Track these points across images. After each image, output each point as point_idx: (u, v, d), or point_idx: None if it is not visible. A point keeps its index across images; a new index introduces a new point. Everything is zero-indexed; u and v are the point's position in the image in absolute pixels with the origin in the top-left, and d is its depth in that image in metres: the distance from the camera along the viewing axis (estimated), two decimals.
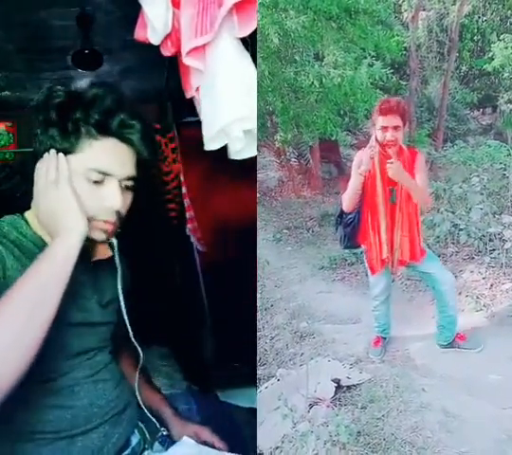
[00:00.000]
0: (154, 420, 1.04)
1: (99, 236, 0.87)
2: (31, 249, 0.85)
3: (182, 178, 2.74)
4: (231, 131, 0.99)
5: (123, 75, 2.58)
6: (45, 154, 0.85)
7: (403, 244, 1.84)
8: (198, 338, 2.69)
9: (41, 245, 0.85)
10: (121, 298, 0.94)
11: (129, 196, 0.91)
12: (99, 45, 2.27)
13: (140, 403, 1.01)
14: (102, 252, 0.95)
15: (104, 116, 0.85)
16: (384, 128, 1.75)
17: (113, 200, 0.85)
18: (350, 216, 1.88)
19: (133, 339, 0.99)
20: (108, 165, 0.85)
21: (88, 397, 0.90)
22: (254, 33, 0.99)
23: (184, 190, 2.76)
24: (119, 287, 0.94)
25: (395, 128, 1.74)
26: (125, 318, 0.94)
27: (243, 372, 1.86)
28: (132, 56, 2.39)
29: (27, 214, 0.91)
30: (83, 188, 0.84)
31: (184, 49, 1.01)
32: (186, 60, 1.01)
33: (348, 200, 1.85)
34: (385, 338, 2.07)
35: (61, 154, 0.83)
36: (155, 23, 1.06)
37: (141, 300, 1.08)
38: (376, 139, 1.78)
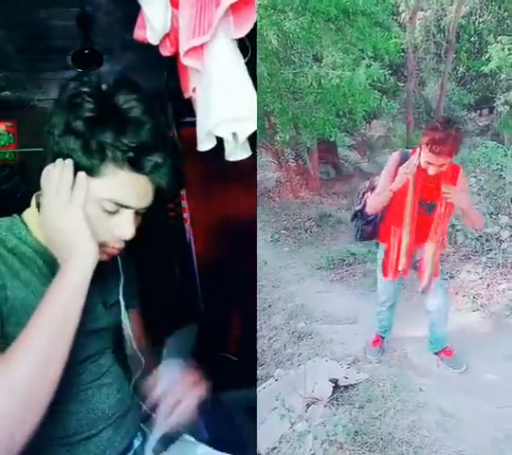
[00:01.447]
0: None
1: (103, 258, 0.82)
2: (32, 258, 0.80)
3: None
4: (220, 132, 0.99)
5: (123, 75, 2.58)
6: (60, 161, 0.76)
7: (436, 260, 1.77)
8: (198, 338, 2.69)
9: (41, 252, 0.81)
10: (123, 307, 0.92)
11: (138, 220, 0.84)
12: (99, 45, 2.27)
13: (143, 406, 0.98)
14: (113, 250, 0.90)
15: (138, 153, 0.75)
16: (429, 163, 1.61)
17: (126, 231, 0.80)
18: (371, 216, 1.84)
19: (135, 347, 0.98)
20: (128, 199, 0.78)
21: (92, 402, 0.88)
22: (254, 35, 1.00)
23: (182, 191, 2.76)
24: (121, 294, 0.92)
25: (441, 166, 1.61)
26: (126, 323, 0.93)
27: (242, 372, 1.86)
28: (132, 56, 2.39)
29: (26, 216, 0.85)
30: (95, 214, 0.77)
31: (182, 49, 1.01)
32: (184, 60, 1.01)
33: (374, 205, 1.78)
34: (383, 338, 2.06)
35: (82, 175, 0.76)
36: (153, 23, 1.06)
37: (141, 299, 1.08)
38: (419, 162, 1.64)
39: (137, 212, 0.82)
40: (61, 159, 0.76)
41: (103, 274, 0.90)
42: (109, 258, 0.84)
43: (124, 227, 0.80)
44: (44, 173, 0.78)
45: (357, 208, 1.90)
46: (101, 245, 0.79)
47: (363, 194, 1.89)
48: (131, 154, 0.74)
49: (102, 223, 0.78)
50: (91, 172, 0.76)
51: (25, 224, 0.84)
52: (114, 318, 0.95)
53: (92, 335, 0.89)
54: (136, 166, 0.76)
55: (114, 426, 0.91)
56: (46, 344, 0.67)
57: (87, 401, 0.88)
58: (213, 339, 2.61)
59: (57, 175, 0.76)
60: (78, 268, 0.74)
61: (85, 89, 0.76)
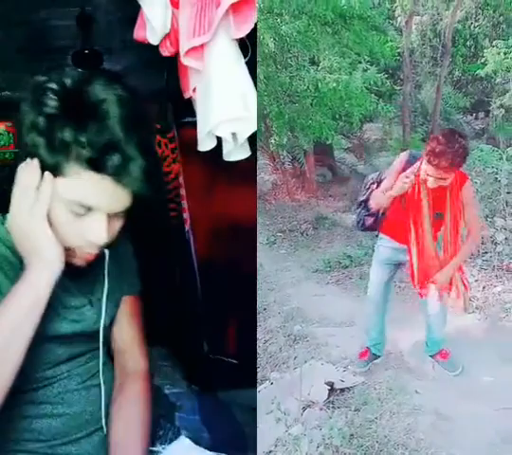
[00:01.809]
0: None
1: (79, 263, 0.79)
2: (8, 257, 0.78)
3: (181, 179, 2.74)
4: (220, 132, 0.99)
5: (123, 75, 2.58)
6: (29, 160, 0.74)
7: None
8: (198, 338, 2.68)
9: (17, 251, 0.78)
10: (104, 304, 0.89)
11: (118, 223, 0.78)
12: (99, 45, 2.27)
13: None
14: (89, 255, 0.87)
15: (96, 152, 0.68)
16: (427, 174, 1.55)
17: (97, 235, 0.74)
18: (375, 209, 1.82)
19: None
20: (94, 201, 0.72)
21: (80, 404, 0.87)
22: (254, 36, 0.99)
23: (183, 191, 2.76)
24: (105, 295, 0.89)
25: (441, 179, 1.54)
26: (101, 323, 0.89)
27: (242, 373, 1.85)
28: (132, 56, 2.39)
29: (8, 216, 0.81)
30: (64, 216, 0.73)
31: (182, 49, 1.01)
32: (184, 60, 1.01)
33: (377, 202, 1.75)
34: (375, 355, 1.97)
35: (47, 176, 0.71)
36: (153, 23, 1.06)
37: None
38: (418, 173, 1.59)
39: (114, 216, 0.76)
40: (29, 159, 0.74)
41: (89, 271, 0.87)
42: (85, 263, 0.81)
43: (95, 232, 0.74)
44: (16, 174, 0.76)
45: (362, 198, 1.88)
46: (75, 250, 0.77)
47: (370, 186, 1.85)
48: (89, 152, 0.68)
49: (73, 226, 0.74)
50: (56, 171, 0.72)
51: (2, 223, 0.81)
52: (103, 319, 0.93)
53: (77, 336, 0.86)
54: (96, 166, 0.69)
55: (105, 428, 0.89)
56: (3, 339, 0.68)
57: (75, 403, 0.86)
58: (213, 340, 2.61)
59: (24, 175, 0.74)
60: (39, 275, 0.72)
61: (50, 85, 0.72)
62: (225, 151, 1.04)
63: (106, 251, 0.84)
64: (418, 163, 1.62)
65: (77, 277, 0.86)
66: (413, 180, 1.59)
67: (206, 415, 1.24)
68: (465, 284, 1.76)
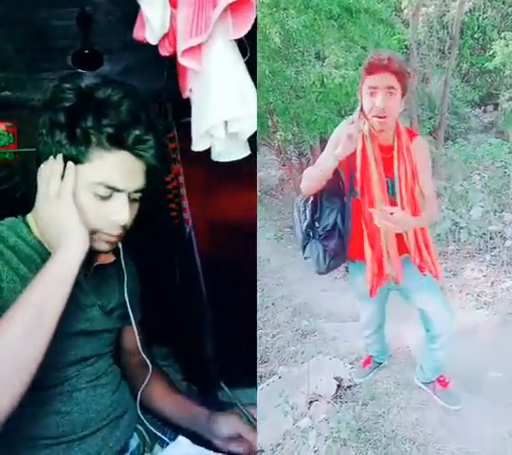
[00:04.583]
0: (153, 429, 1.01)
1: (102, 247, 0.84)
2: (30, 255, 0.82)
3: (181, 178, 2.75)
4: (215, 132, 0.99)
5: (124, 75, 2.59)
6: (51, 158, 0.80)
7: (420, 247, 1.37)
8: (198, 338, 2.71)
9: (40, 251, 0.83)
10: (129, 307, 0.93)
11: (135, 207, 0.87)
12: (99, 45, 2.28)
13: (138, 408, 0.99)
14: (105, 257, 0.93)
15: (118, 129, 0.79)
16: (373, 89, 1.24)
17: (120, 215, 0.82)
18: (326, 222, 1.37)
19: (142, 353, 0.99)
20: (118, 180, 0.81)
21: (86, 403, 0.88)
22: (254, 35, 0.99)
23: (183, 191, 2.77)
24: (126, 296, 0.93)
25: (389, 89, 1.23)
26: (135, 332, 0.94)
27: (243, 371, 1.87)
28: (132, 56, 2.39)
29: (29, 217, 0.88)
30: (89, 201, 0.80)
31: (179, 49, 1.01)
32: (181, 60, 1.01)
33: (311, 181, 1.34)
34: (379, 363, 1.84)
35: (70, 164, 0.79)
36: (152, 22, 1.06)
37: (142, 300, 1.09)
38: (362, 109, 1.29)
39: (132, 199, 0.84)
40: (52, 157, 0.80)
41: (103, 277, 0.92)
42: (109, 246, 0.86)
43: (119, 212, 0.81)
44: (38, 174, 0.82)
45: (306, 222, 1.41)
46: (98, 232, 0.81)
47: (307, 201, 1.42)
48: (111, 130, 0.78)
49: (97, 209, 0.81)
50: (79, 159, 0.79)
51: (26, 224, 0.86)
52: (113, 323, 0.95)
53: (86, 336, 0.88)
54: (117, 142, 0.79)
55: (109, 426, 0.91)
56: (28, 324, 0.69)
57: (80, 402, 0.88)
58: (215, 339, 2.63)
59: (47, 169, 0.80)
60: (66, 255, 0.75)
61: (66, 85, 0.81)
62: (214, 151, 1.05)
63: (119, 245, 0.89)
64: (357, 109, 1.34)
65: (91, 277, 0.90)
66: (362, 123, 1.29)
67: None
68: (429, 252, 1.40)
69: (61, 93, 0.80)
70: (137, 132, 0.80)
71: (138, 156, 0.82)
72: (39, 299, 0.71)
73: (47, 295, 0.72)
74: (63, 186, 0.78)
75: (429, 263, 1.40)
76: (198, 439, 0.98)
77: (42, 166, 0.81)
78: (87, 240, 0.77)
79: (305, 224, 1.42)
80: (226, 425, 0.95)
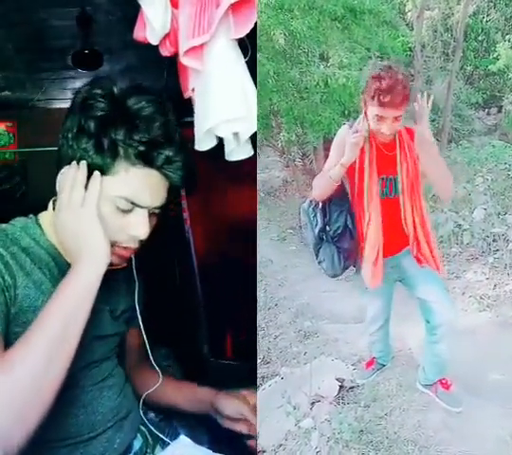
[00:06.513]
0: (153, 430, 1.02)
1: (116, 261, 0.82)
2: (44, 259, 0.80)
3: None
4: (220, 132, 0.99)
5: (123, 75, 2.59)
6: (73, 163, 0.77)
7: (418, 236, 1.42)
8: (198, 339, 2.71)
9: (53, 254, 0.82)
10: (139, 314, 0.94)
11: (153, 221, 0.85)
12: (99, 45, 2.28)
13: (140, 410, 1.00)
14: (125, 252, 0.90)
15: (149, 147, 0.76)
16: (380, 118, 1.30)
17: (140, 230, 0.80)
18: (337, 225, 1.43)
19: (152, 360, 1.00)
20: (142, 197, 0.78)
21: (92, 405, 0.88)
22: (255, 35, 0.99)
23: (182, 191, 2.77)
24: (137, 302, 0.94)
25: (396, 119, 1.31)
26: (144, 337, 0.95)
27: (243, 371, 1.87)
28: (132, 56, 2.40)
29: (42, 218, 0.86)
30: (110, 213, 0.77)
31: (181, 49, 1.01)
32: (183, 60, 1.01)
33: (322, 187, 1.41)
34: (383, 365, 1.84)
35: (97, 174, 0.76)
36: (153, 23, 1.06)
37: (142, 301, 1.09)
38: (368, 124, 1.34)
39: (151, 213, 0.82)
40: (75, 162, 0.77)
41: (113, 281, 0.90)
42: (122, 260, 0.84)
43: (138, 226, 0.80)
44: (59, 178, 0.79)
45: (318, 227, 1.45)
46: (114, 245, 0.79)
47: (315, 207, 1.48)
48: (142, 148, 0.76)
49: (116, 222, 0.78)
50: (104, 170, 0.77)
51: (39, 225, 0.84)
52: (120, 327, 0.96)
53: (97, 341, 0.88)
54: (147, 160, 0.77)
55: (114, 428, 0.91)
56: (51, 344, 0.66)
57: (88, 404, 0.88)
58: (213, 341, 2.63)
59: (71, 177, 0.77)
60: (89, 269, 0.73)
61: (98, 91, 0.78)
62: (227, 150, 1.05)
63: (132, 257, 0.88)
64: (360, 118, 1.37)
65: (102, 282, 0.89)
66: (365, 135, 1.33)
67: (205, 415, 1.24)
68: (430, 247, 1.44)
69: (92, 99, 0.77)
70: (168, 152, 0.78)
71: (165, 176, 0.80)
72: (65, 313, 0.69)
73: (73, 309, 0.70)
74: (87, 195, 0.75)
75: (428, 257, 1.44)
76: (200, 438, 0.99)
77: (63, 170, 0.79)
78: (109, 254, 0.75)
79: (317, 229, 1.46)
80: (229, 405, 0.98)
